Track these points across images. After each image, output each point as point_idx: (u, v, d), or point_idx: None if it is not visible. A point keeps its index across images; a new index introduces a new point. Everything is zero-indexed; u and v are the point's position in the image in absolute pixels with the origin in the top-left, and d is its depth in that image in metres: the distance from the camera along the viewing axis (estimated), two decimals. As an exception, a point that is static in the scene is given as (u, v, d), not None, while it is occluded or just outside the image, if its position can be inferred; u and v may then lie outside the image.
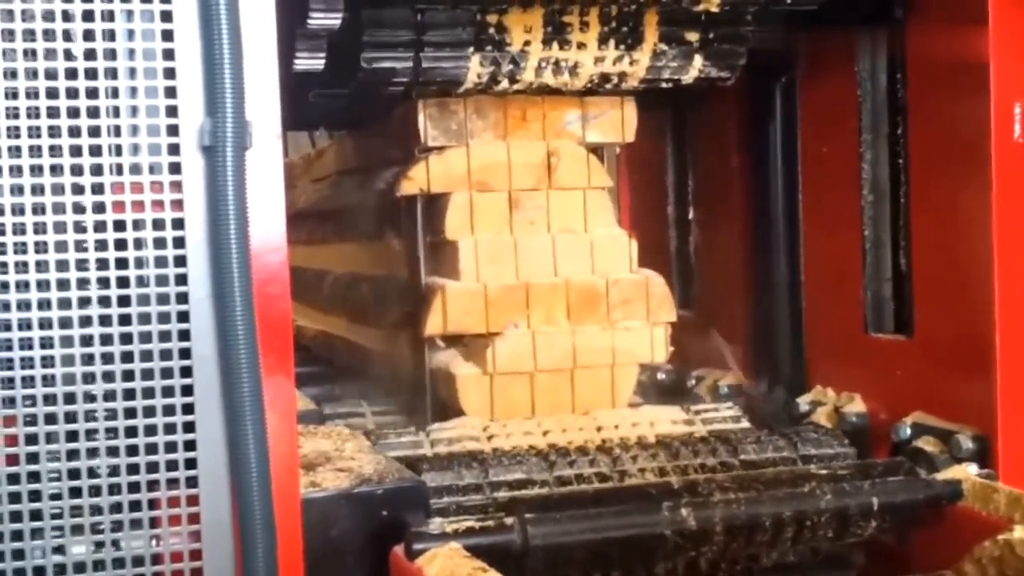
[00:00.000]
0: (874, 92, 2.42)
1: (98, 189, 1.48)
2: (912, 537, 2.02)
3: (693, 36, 2.36)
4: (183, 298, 1.51)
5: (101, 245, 1.48)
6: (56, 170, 1.46)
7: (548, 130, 2.47)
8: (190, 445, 1.52)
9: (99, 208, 1.48)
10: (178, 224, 1.51)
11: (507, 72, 2.31)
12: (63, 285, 1.47)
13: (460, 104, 2.41)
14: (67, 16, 1.46)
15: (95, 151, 1.48)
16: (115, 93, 1.49)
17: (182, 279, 1.51)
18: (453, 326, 2.36)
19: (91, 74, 1.47)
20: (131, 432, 1.50)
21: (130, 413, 1.50)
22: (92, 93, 1.47)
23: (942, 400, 2.21)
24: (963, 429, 2.13)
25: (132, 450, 1.50)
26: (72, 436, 1.48)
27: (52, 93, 1.46)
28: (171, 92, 1.51)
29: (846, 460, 2.23)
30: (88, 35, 1.47)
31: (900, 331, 2.37)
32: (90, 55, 1.47)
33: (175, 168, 1.51)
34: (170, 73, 1.51)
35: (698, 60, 2.39)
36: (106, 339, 1.49)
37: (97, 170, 1.48)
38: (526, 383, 2.40)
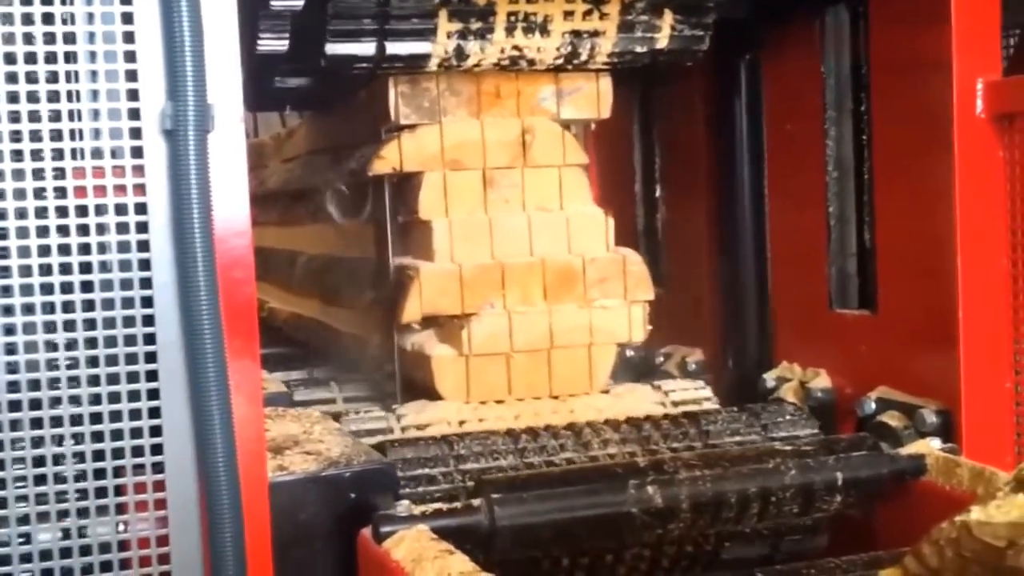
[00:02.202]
0: (838, 69, 2.43)
1: (59, 174, 1.47)
2: (877, 512, 2.04)
3: (661, -15, 2.33)
4: (147, 283, 1.51)
5: (63, 231, 1.47)
6: (17, 156, 1.45)
7: (522, 107, 2.45)
8: (156, 431, 1.52)
9: (61, 193, 1.47)
10: (141, 209, 1.50)
11: (476, 31, 2.27)
12: (25, 272, 1.46)
13: (432, 81, 2.38)
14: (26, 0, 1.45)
15: (56, 136, 1.47)
16: (76, 77, 1.48)
17: (145, 264, 1.50)
18: (428, 308, 2.33)
19: (51, 58, 1.46)
20: (96, 419, 1.49)
21: (95, 399, 1.49)
22: (52, 77, 1.46)
23: (906, 375, 2.23)
24: (927, 403, 2.15)
25: (97, 436, 1.49)
26: (37, 423, 1.47)
27: (11, 78, 1.44)
28: (132, 76, 1.49)
29: (811, 436, 2.25)
30: (47, 19, 1.46)
31: (864, 307, 2.39)
32: (49, 39, 1.46)
33: (137, 152, 1.50)
34: (131, 56, 1.49)
35: (668, 16, 2.37)
36: (70, 325, 1.48)
37: (58, 155, 1.47)
38: (502, 364, 2.37)
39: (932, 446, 2.02)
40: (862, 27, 2.34)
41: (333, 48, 2.23)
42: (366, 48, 2.24)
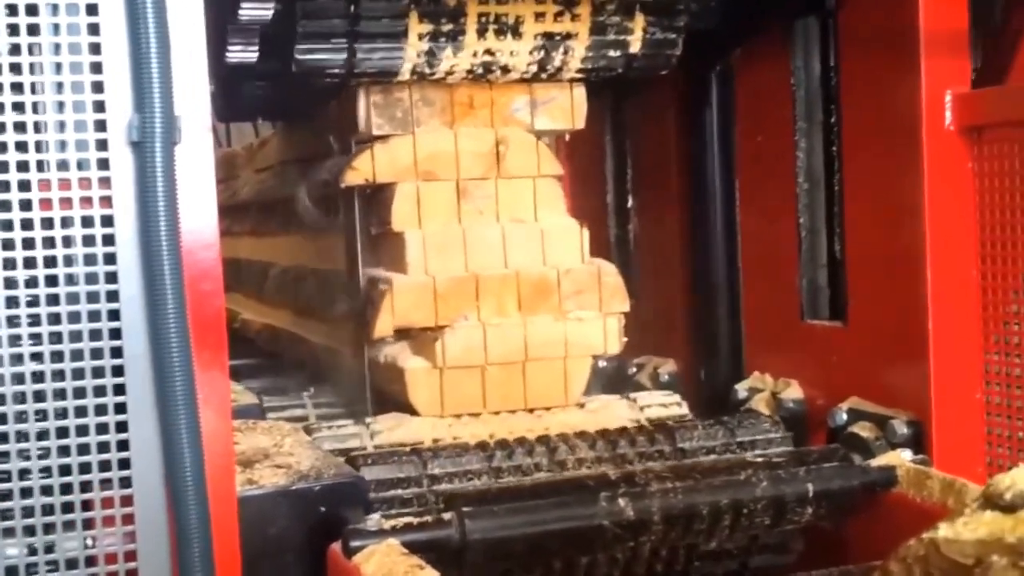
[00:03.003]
0: (808, 81, 2.44)
1: (24, 187, 1.46)
2: (848, 524, 2.04)
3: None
4: (114, 296, 1.49)
5: (28, 243, 1.46)
6: (-20, 168, 1.44)
7: (496, 117, 2.43)
8: (123, 445, 1.50)
9: (26, 206, 1.46)
10: (107, 221, 1.49)
11: (448, 32, 2.25)
12: (-11, 285, 1.44)
13: (405, 91, 2.36)
14: (-10, 10, 1.43)
15: (20, 148, 1.45)
16: (41, 89, 1.46)
17: (112, 277, 1.49)
18: (401, 320, 2.31)
19: (15, 69, 1.44)
20: (63, 433, 1.47)
21: (61, 414, 1.47)
22: (16, 88, 1.45)
23: (877, 386, 2.23)
24: (898, 414, 2.16)
25: (64, 451, 1.47)
26: (2, 438, 1.45)
27: (-26, 89, 1.43)
28: (98, 87, 1.48)
29: (783, 447, 2.25)
30: (12, 29, 1.44)
31: (835, 318, 2.40)
32: (14, 50, 1.44)
33: (103, 164, 1.49)
34: (97, 68, 1.48)
35: (640, 18, 2.36)
36: (35, 339, 1.46)
37: (23, 168, 1.45)
38: (477, 377, 2.35)
39: (903, 457, 2.03)
40: (832, 39, 2.35)
41: (303, 54, 2.21)
42: (337, 54, 2.23)
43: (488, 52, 2.32)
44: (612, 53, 2.40)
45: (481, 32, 2.29)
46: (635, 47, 2.40)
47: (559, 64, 2.38)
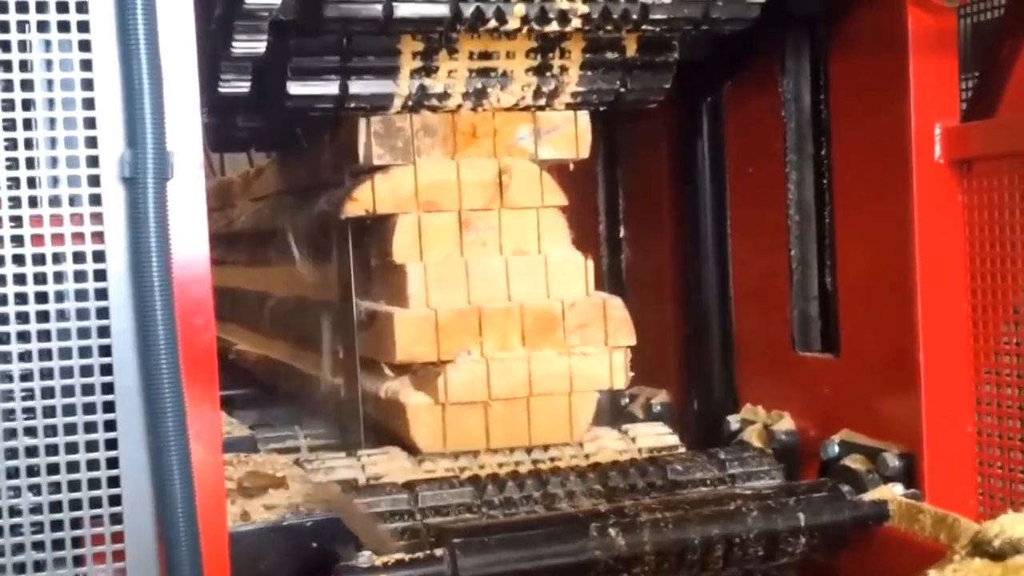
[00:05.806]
0: (798, 113, 2.45)
1: (16, 222, 1.46)
2: (842, 559, 2.04)
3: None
4: (105, 331, 1.49)
5: (20, 279, 1.46)
6: (-27, 203, 1.44)
7: (499, 146, 2.39)
8: (114, 481, 1.50)
9: (18, 241, 1.46)
10: (99, 256, 1.49)
11: (448, 21, 2.15)
12: (-19, 320, 1.44)
13: (406, 120, 2.33)
14: (-17, 47, 1.44)
15: (13, 183, 1.46)
16: (34, 124, 1.47)
17: (104, 312, 1.49)
18: (403, 355, 2.27)
19: (8, 105, 1.45)
20: (53, 469, 1.47)
21: (52, 449, 1.47)
22: (9, 125, 1.45)
23: (869, 418, 2.23)
24: (890, 447, 2.16)
25: (54, 487, 1.47)
26: (-8, 473, 1.45)
27: (-33, 126, 1.44)
28: (90, 123, 1.49)
29: (774, 480, 2.25)
30: (5, 66, 1.45)
31: (827, 349, 2.40)
32: (7, 86, 1.45)
33: (95, 200, 1.49)
34: (89, 104, 1.49)
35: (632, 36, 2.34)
36: (26, 375, 1.46)
37: (15, 203, 1.46)
38: (480, 413, 2.30)
39: (895, 492, 2.03)
40: (822, 72, 2.36)
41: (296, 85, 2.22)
42: (330, 82, 2.23)
43: (484, 56, 2.28)
44: (609, 55, 2.35)
45: (475, 30, 2.19)
46: (631, 50, 2.36)
47: (557, 71, 2.33)
